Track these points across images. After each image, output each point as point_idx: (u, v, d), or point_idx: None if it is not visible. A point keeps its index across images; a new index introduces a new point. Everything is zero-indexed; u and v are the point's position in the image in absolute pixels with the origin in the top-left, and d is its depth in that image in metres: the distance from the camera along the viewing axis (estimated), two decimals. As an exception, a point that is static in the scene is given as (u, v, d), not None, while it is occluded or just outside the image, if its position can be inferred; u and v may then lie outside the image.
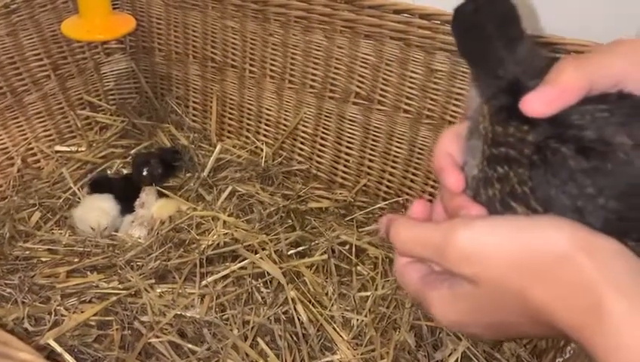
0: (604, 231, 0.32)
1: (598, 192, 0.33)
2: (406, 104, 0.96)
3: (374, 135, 1.01)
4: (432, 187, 0.99)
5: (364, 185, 1.04)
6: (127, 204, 1.00)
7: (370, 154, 1.03)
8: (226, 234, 0.90)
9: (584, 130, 0.33)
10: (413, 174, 1.00)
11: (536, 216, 0.34)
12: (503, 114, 0.36)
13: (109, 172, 1.12)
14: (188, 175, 1.10)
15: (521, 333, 0.36)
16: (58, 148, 1.12)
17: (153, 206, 0.97)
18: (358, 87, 1.00)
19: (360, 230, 0.95)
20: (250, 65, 1.09)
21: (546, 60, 0.37)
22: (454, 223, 0.35)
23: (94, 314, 0.81)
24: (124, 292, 0.83)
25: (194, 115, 1.20)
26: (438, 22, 0.88)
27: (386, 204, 1.01)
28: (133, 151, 1.14)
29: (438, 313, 0.38)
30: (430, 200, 0.46)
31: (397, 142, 1.00)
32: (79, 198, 1.04)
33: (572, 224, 0.33)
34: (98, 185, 1.05)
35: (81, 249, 0.91)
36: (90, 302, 0.83)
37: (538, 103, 0.34)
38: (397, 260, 0.42)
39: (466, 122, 0.41)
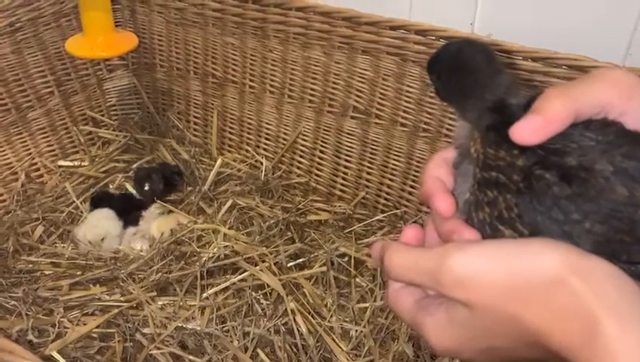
0: (594, 253, 0.33)
1: (584, 217, 0.34)
2: (403, 118, 0.98)
3: (372, 148, 1.03)
4: (430, 199, 1.00)
5: (363, 198, 1.06)
6: (128, 217, 1.01)
7: (369, 167, 1.04)
8: (227, 246, 0.91)
9: (566, 157, 0.34)
10: (411, 187, 1.02)
11: (529, 240, 0.35)
12: (492, 133, 0.37)
13: (110, 186, 1.13)
14: (189, 189, 1.12)
15: (516, 358, 0.36)
16: (61, 163, 1.14)
17: (156, 219, 0.98)
18: (355, 101, 1.01)
19: (359, 242, 0.96)
20: (250, 80, 1.11)
21: (526, 94, 0.39)
22: (447, 248, 0.36)
23: (97, 327, 0.82)
24: (126, 304, 0.84)
25: (195, 130, 1.22)
26: (434, 38, 0.90)
27: (384, 217, 1.02)
28: (135, 166, 1.16)
29: (432, 339, 0.38)
30: (422, 224, 0.46)
31: (394, 155, 1.01)
32: (82, 212, 1.05)
33: (564, 247, 0.33)
34: (99, 201, 1.06)
35: (84, 262, 0.92)
36: (92, 314, 0.84)
37: (527, 132, 0.36)
38: (390, 286, 0.42)
39: (453, 149, 0.43)
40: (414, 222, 1.01)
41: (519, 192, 0.35)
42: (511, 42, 0.83)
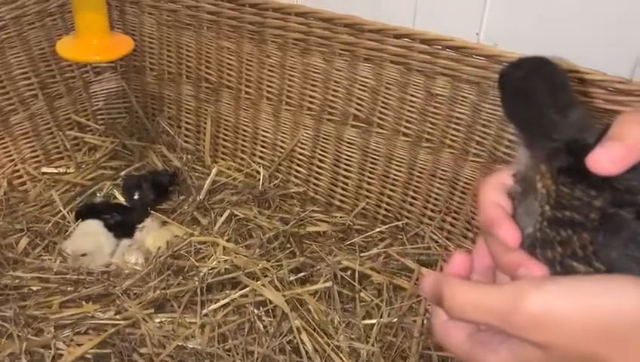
0: None
1: None
2: (405, 127, 0.96)
3: (373, 158, 1.01)
4: (432, 211, 0.99)
5: (363, 208, 1.04)
6: (120, 230, 0.97)
7: (369, 177, 1.02)
8: (226, 260, 0.88)
9: (638, 195, 0.33)
10: (413, 198, 1.00)
11: (609, 276, 0.33)
12: (567, 175, 0.35)
13: (98, 195, 1.08)
14: (181, 198, 1.08)
15: None
16: (45, 169, 1.09)
17: (151, 232, 0.94)
18: (356, 109, 0.99)
19: (361, 255, 0.94)
20: (247, 86, 1.07)
21: (599, 128, 0.37)
22: (521, 286, 0.33)
23: (91, 347, 0.77)
24: (122, 322, 0.80)
25: (186, 136, 1.18)
26: (439, 47, 0.88)
27: (385, 228, 1.00)
28: (123, 173, 1.11)
29: None
30: (469, 250, 0.43)
31: (396, 165, 0.99)
32: (69, 222, 1.00)
33: None
34: (86, 213, 1.01)
35: (75, 277, 0.88)
36: (85, 333, 0.80)
37: (605, 161, 0.33)
38: (437, 317, 0.39)
39: (511, 175, 0.40)
40: (416, 233, 1.00)
41: (594, 229, 0.33)
42: (515, 52, 0.82)
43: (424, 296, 0.40)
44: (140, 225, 0.96)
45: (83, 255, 0.92)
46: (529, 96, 0.38)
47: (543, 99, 0.37)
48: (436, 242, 0.97)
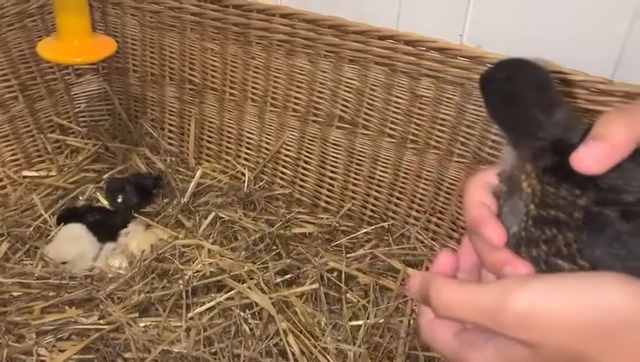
0: None
1: None
2: (390, 128, 0.96)
3: (358, 159, 1.01)
4: (417, 211, 0.99)
5: (349, 210, 1.04)
6: (103, 232, 0.96)
7: (355, 178, 1.02)
8: (212, 263, 0.87)
9: (623, 194, 0.33)
10: (398, 198, 1.00)
11: (594, 274, 0.33)
12: (552, 174, 0.35)
13: (80, 198, 1.07)
14: (165, 200, 1.07)
15: None
16: (26, 173, 1.07)
17: (136, 235, 0.93)
18: (342, 111, 0.99)
19: (347, 256, 0.94)
20: (231, 87, 1.07)
21: (583, 127, 0.37)
22: (508, 285, 0.33)
23: (74, 353, 0.76)
24: (106, 327, 0.79)
25: (170, 138, 1.17)
26: (424, 48, 0.88)
27: (371, 229, 1.00)
28: (106, 176, 1.10)
29: None
30: (455, 249, 0.43)
31: (381, 166, 0.99)
32: (50, 226, 0.99)
33: (634, 282, 0.31)
34: (69, 217, 1.00)
35: (57, 282, 0.86)
36: (68, 339, 0.79)
37: (589, 160, 0.33)
38: (423, 316, 0.39)
39: (496, 174, 0.40)
40: (401, 234, 1.00)
41: (578, 228, 0.34)
42: (498, 54, 0.83)
43: (411, 295, 0.40)
44: (123, 229, 0.95)
45: (64, 263, 0.90)
46: (514, 97, 0.38)
47: (527, 99, 0.37)
48: (422, 242, 0.97)
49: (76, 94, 1.15)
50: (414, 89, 0.92)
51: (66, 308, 0.82)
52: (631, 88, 0.76)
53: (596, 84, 0.77)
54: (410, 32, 0.89)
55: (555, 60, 0.80)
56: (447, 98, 0.90)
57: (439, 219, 0.98)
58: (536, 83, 0.38)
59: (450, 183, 0.94)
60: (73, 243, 0.91)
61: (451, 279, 0.37)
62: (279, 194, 1.06)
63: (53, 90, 1.11)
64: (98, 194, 1.07)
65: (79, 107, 1.15)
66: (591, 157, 0.34)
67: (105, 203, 1.06)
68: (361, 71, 0.95)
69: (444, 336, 0.38)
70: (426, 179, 0.96)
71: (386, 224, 1.00)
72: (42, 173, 1.08)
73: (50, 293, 0.85)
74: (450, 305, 0.35)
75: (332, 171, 1.04)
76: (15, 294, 0.86)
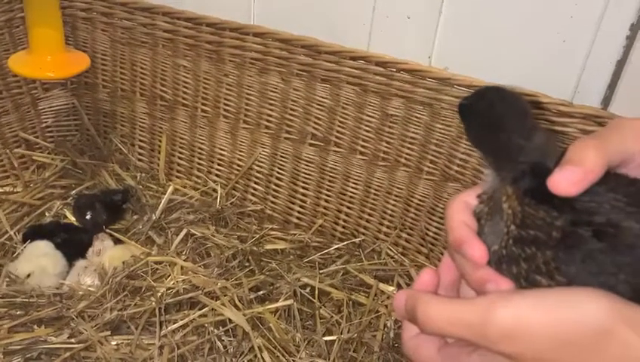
0: (636, 301, 0.33)
1: (618, 269, 0.35)
2: (362, 146, 0.99)
3: (330, 176, 1.03)
4: (388, 227, 1.01)
5: (320, 226, 1.05)
6: (72, 251, 0.94)
7: (327, 195, 1.04)
8: (184, 280, 0.87)
9: (595, 215, 0.36)
10: (369, 215, 1.02)
11: (571, 289, 0.35)
12: (531, 196, 0.38)
13: (47, 214, 1.05)
14: (135, 217, 1.06)
15: None
16: (-10, 189, 1.05)
17: (107, 251, 0.92)
18: (314, 128, 1.01)
19: (320, 272, 0.95)
20: (203, 104, 1.07)
21: (559, 149, 0.39)
22: (491, 300, 0.35)
23: (44, 373, 0.75)
24: (76, 346, 0.78)
25: (140, 154, 1.16)
26: (394, 69, 0.91)
27: (343, 245, 1.01)
28: (74, 192, 1.08)
29: None
30: (435, 266, 0.45)
31: (353, 182, 1.01)
32: (16, 244, 0.96)
33: (609, 296, 0.33)
34: (34, 234, 0.97)
35: (25, 300, 0.84)
36: (38, 358, 0.77)
37: (565, 183, 0.36)
38: (407, 332, 0.40)
39: (477, 196, 0.42)
40: (372, 249, 1.02)
41: (556, 247, 0.36)
42: (465, 76, 0.86)
43: (397, 312, 0.41)
44: (92, 246, 0.94)
45: (28, 276, 0.88)
46: (495, 124, 0.40)
47: (509, 125, 0.40)
48: (392, 257, 0.99)
49: (43, 109, 1.13)
50: (385, 108, 0.94)
51: (35, 326, 0.81)
52: (589, 110, 0.80)
53: (557, 106, 0.81)
54: (381, 54, 0.92)
55: (518, 83, 0.84)
56: (417, 117, 0.93)
57: (409, 234, 1.00)
58: (516, 110, 0.40)
59: (420, 200, 0.97)
60: (39, 261, 0.89)
61: (437, 296, 0.39)
62: (251, 210, 1.07)
63: (19, 104, 1.09)
64: (65, 210, 1.05)
65: (46, 122, 1.14)
66: (566, 181, 0.36)
67: (72, 219, 1.04)
68: (334, 90, 0.97)
69: (429, 351, 0.39)
70: (396, 196, 0.99)
71: (357, 240, 1.02)
72: (7, 189, 1.05)
73: (18, 312, 0.83)
74: (437, 321, 0.36)
75: (304, 188, 1.05)
76: (-20, 313, 0.83)
